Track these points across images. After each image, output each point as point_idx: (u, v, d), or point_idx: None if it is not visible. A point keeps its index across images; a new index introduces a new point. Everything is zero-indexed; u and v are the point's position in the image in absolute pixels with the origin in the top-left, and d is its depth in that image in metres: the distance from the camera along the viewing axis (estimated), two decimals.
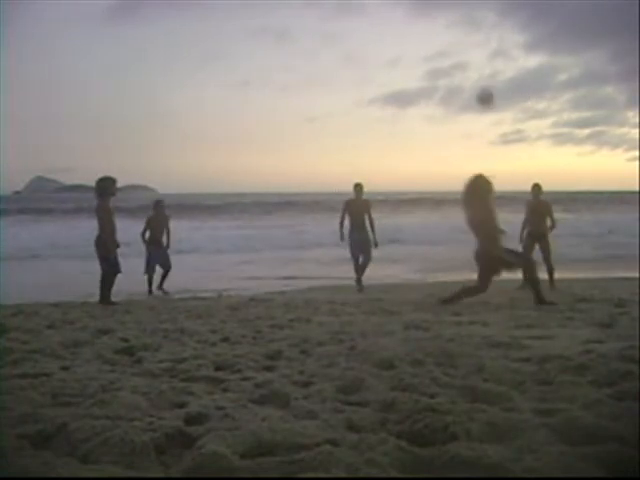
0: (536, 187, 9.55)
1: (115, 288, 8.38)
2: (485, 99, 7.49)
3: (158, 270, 10.12)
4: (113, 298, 8.18)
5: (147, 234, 10.13)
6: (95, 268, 8.40)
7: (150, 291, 9.87)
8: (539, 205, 9.53)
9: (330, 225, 10.89)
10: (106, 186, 8.33)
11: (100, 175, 8.45)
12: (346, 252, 9.99)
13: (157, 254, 10.07)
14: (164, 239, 10.26)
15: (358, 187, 9.89)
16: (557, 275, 9.44)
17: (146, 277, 9.95)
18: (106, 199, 8.33)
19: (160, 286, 9.98)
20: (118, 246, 8.36)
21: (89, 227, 9.79)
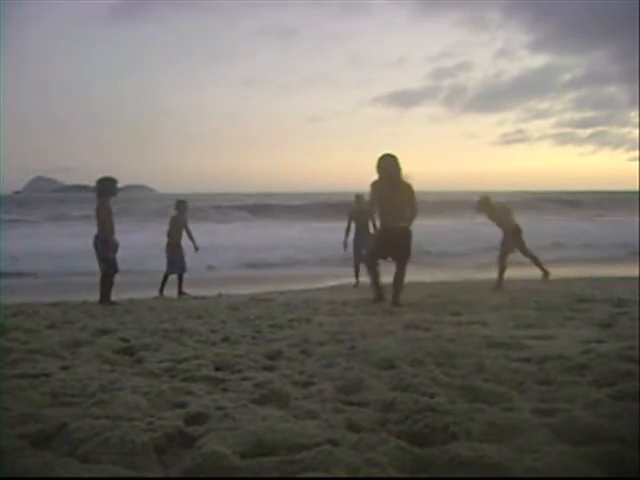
0: (485, 200, 9.50)
1: (114, 289, 8.39)
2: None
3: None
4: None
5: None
6: None
7: (162, 291, 9.83)
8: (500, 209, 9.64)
9: None
10: (107, 186, 8.34)
11: (100, 175, 8.46)
12: None
13: (178, 255, 10.12)
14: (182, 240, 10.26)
15: (359, 198, 10.71)
16: (558, 274, 9.46)
17: (164, 276, 9.99)
18: (107, 199, 8.34)
19: (180, 290, 9.96)
20: (117, 246, 8.38)
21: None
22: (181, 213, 10.37)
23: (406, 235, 7.02)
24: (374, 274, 7.32)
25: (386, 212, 7.04)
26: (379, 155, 7.04)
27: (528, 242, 9.40)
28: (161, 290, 9.84)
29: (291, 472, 1.88)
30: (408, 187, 7.03)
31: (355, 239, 10.72)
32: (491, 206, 9.45)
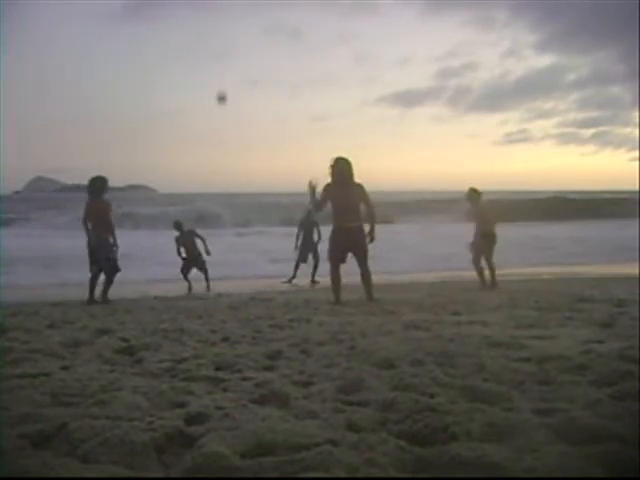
0: (475, 192, 9.77)
1: (114, 289, 8.40)
2: (221, 98, 8.52)
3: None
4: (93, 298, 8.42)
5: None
6: None
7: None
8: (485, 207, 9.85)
9: None
10: (100, 185, 8.56)
11: (92, 175, 8.66)
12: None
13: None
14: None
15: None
16: (555, 273, 9.46)
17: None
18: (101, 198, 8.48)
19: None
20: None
21: None
22: (182, 233, 11.73)
23: (359, 232, 7.41)
24: (336, 276, 7.55)
25: (339, 213, 7.38)
26: (333, 158, 7.44)
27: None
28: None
29: (291, 472, 1.88)
30: (360, 187, 7.42)
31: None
32: (477, 202, 9.77)
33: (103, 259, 8.36)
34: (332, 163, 7.39)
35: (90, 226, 8.47)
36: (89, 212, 8.51)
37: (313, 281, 12.12)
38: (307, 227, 12.27)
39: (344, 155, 7.47)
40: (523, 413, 2.43)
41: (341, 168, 7.37)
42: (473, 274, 9.71)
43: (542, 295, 7.64)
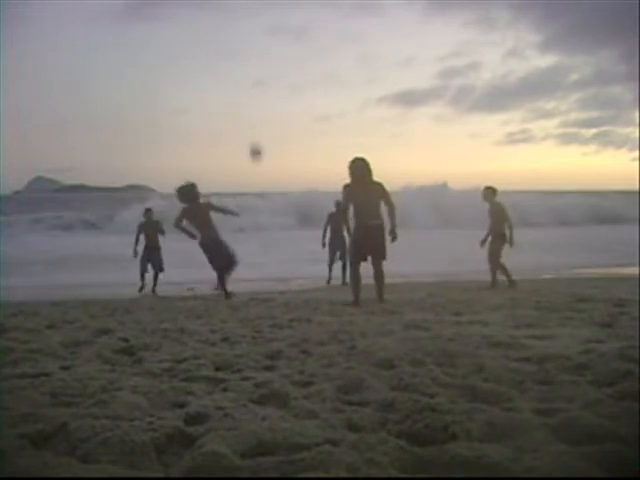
0: (491, 190, 9.74)
1: (114, 289, 8.42)
2: (255, 152, 8.34)
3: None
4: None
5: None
6: None
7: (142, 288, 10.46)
8: (500, 207, 9.74)
9: None
10: (191, 192, 8.87)
11: (181, 182, 9.00)
12: None
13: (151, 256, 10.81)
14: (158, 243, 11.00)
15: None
16: (555, 273, 9.45)
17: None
18: (193, 203, 8.83)
19: (153, 288, 10.61)
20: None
21: None
22: (148, 219, 10.98)
23: (380, 231, 7.38)
24: (356, 276, 7.51)
25: (360, 211, 7.39)
26: (350, 159, 7.45)
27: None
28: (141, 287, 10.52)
29: (291, 472, 1.88)
30: (380, 186, 7.45)
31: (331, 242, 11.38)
32: (493, 200, 9.71)
33: (219, 257, 8.65)
34: (350, 164, 7.43)
35: (197, 229, 8.81)
36: (190, 216, 8.80)
37: (345, 282, 10.48)
38: (336, 221, 11.10)
39: (353, 155, 7.53)
40: (523, 413, 2.43)
41: (359, 167, 7.41)
42: (473, 275, 9.73)
43: (542, 295, 7.64)
